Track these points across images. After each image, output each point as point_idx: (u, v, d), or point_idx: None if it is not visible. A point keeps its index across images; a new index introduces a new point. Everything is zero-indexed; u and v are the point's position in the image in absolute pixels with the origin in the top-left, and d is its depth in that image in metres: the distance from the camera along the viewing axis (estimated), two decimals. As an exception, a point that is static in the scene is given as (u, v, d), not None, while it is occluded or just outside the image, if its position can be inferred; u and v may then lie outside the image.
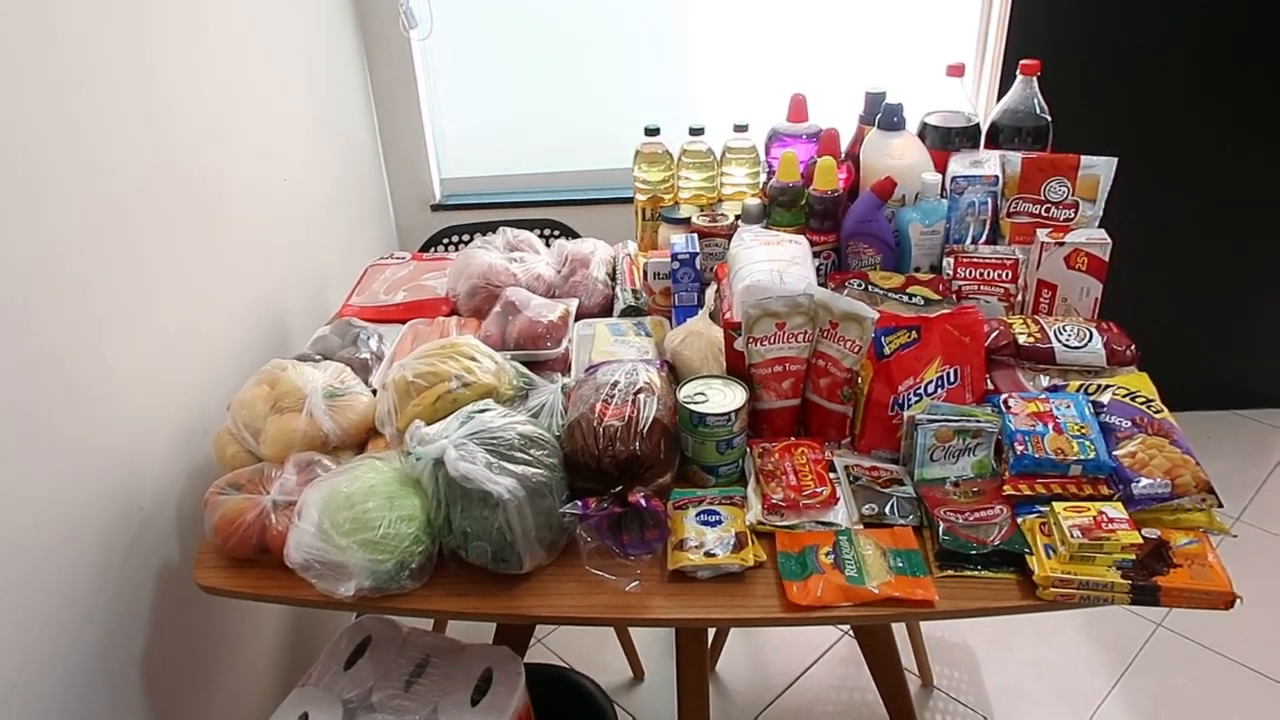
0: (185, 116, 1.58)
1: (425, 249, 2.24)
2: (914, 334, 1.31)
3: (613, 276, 1.80)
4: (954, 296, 1.55)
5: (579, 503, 1.19)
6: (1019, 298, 1.57)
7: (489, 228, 2.22)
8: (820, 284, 1.52)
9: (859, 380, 1.33)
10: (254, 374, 1.40)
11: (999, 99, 1.73)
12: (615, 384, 1.32)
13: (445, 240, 2.25)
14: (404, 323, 1.70)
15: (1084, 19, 2.40)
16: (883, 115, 1.65)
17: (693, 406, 1.27)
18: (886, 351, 1.30)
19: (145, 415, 1.43)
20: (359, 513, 1.15)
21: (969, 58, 2.59)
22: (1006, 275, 1.56)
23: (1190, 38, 2.43)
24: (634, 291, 1.73)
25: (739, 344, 1.36)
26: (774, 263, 1.47)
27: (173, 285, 1.51)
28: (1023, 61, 1.66)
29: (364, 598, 1.15)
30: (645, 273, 1.69)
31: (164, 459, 1.46)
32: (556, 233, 2.26)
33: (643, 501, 1.18)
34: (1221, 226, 2.68)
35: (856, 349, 1.28)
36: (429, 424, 1.27)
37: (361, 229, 2.48)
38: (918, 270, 1.65)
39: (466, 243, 2.26)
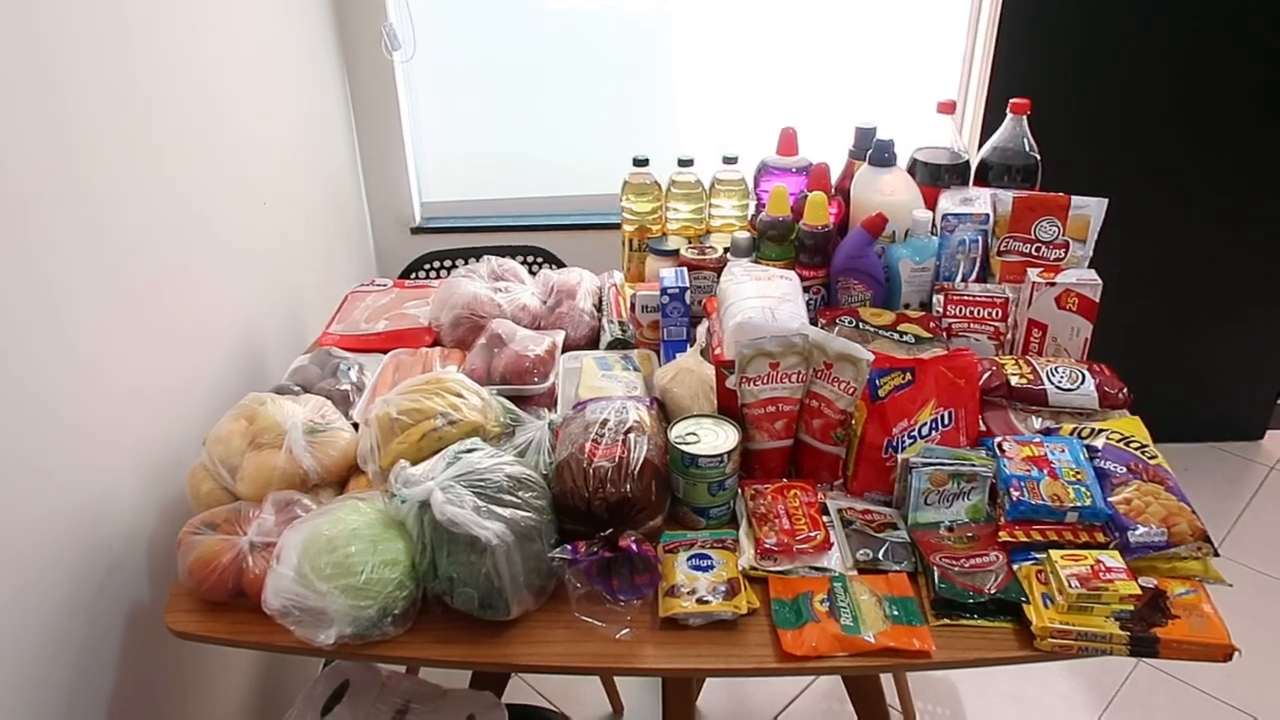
0: (164, 139, 1.54)
1: (406, 275, 2.20)
2: (908, 376, 1.29)
3: (599, 308, 1.78)
4: (944, 334, 1.54)
5: (569, 547, 1.16)
6: (1009, 336, 1.57)
7: (470, 253, 2.20)
8: (810, 319, 1.50)
9: (852, 422, 1.31)
10: (231, 408, 1.35)
11: (982, 135, 1.74)
12: (605, 422, 1.29)
13: (427, 265, 2.22)
14: (385, 353, 1.67)
15: (1067, 57, 2.42)
16: (873, 151, 1.64)
17: (684, 447, 1.25)
18: (880, 394, 1.29)
19: (115, 446, 1.38)
20: (341, 557, 1.11)
21: (953, 93, 2.61)
22: (997, 314, 1.55)
23: (1173, 79, 2.46)
24: (621, 324, 1.70)
25: (730, 382, 1.34)
26: (765, 299, 1.45)
27: (143, 311, 1.47)
28: (1013, 100, 1.66)
29: (345, 645, 1.11)
30: (633, 305, 1.67)
31: (135, 493, 1.41)
32: (540, 259, 2.23)
33: (634, 546, 1.15)
34: (1195, 262, 2.70)
35: (851, 390, 1.27)
36: (414, 463, 1.23)
37: (340, 252, 2.44)
38: (907, 307, 1.64)
39: (449, 269, 2.22)
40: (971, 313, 1.56)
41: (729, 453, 1.24)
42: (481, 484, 1.15)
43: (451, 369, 1.57)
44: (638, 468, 1.22)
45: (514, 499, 1.16)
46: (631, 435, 1.27)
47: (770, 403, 1.30)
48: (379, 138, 2.55)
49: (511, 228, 2.64)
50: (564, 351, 1.65)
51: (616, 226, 1.83)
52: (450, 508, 1.10)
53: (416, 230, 2.66)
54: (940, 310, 1.57)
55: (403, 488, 1.15)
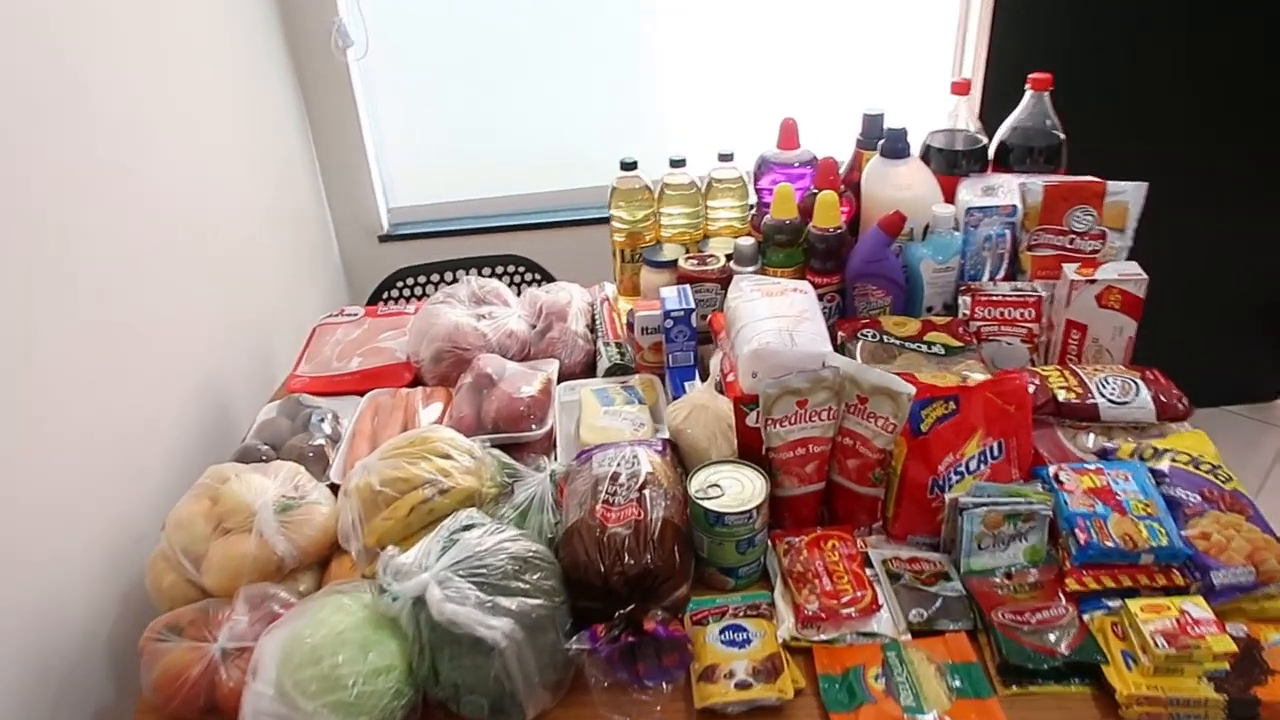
0: (102, 171, 1.37)
1: (377, 296, 2.04)
2: (952, 405, 1.16)
3: (592, 328, 1.63)
4: (975, 340, 1.40)
5: (586, 634, 1.02)
6: (1043, 338, 1.43)
7: (445, 267, 2.04)
8: (827, 328, 1.36)
9: (891, 460, 1.17)
10: (194, 476, 1.20)
11: (983, 114, 1.59)
12: (615, 477, 1.15)
13: (399, 284, 2.05)
14: (361, 394, 1.51)
15: (1066, 30, 2.25)
16: (885, 141, 1.49)
17: (708, 504, 1.11)
18: (923, 428, 1.15)
19: (64, 528, 1.22)
20: (327, 669, 0.96)
21: (948, 70, 2.45)
22: (1029, 314, 1.42)
23: (1176, 53, 2.31)
24: (618, 346, 1.55)
25: (752, 420, 1.20)
26: (780, 319, 1.30)
27: (85, 355, 1.30)
28: (1032, 75, 1.51)
29: (339, 767, 0.97)
30: (630, 325, 1.52)
31: (90, 583, 1.26)
32: (523, 269, 2.07)
33: (661, 630, 1.01)
34: (1208, 217, 2.57)
35: (890, 428, 1.13)
36: (403, 544, 1.09)
37: (305, 268, 2.27)
38: (930, 310, 1.50)
39: (422, 285, 2.06)
40: (1002, 314, 1.43)
41: (758, 507, 1.11)
42: (483, 571, 1.00)
43: (436, 409, 1.42)
44: (657, 531, 1.08)
45: (521, 584, 1.01)
46: (647, 492, 1.12)
47: (799, 444, 1.16)
48: (338, 143, 2.36)
49: (488, 229, 2.47)
50: (559, 381, 1.50)
51: (601, 222, 1.66)
52: (450, 606, 0.96)
53: (385, 238, 2.49)
54: (967, 313, 1.44)
55: (393, 581, 1.00)
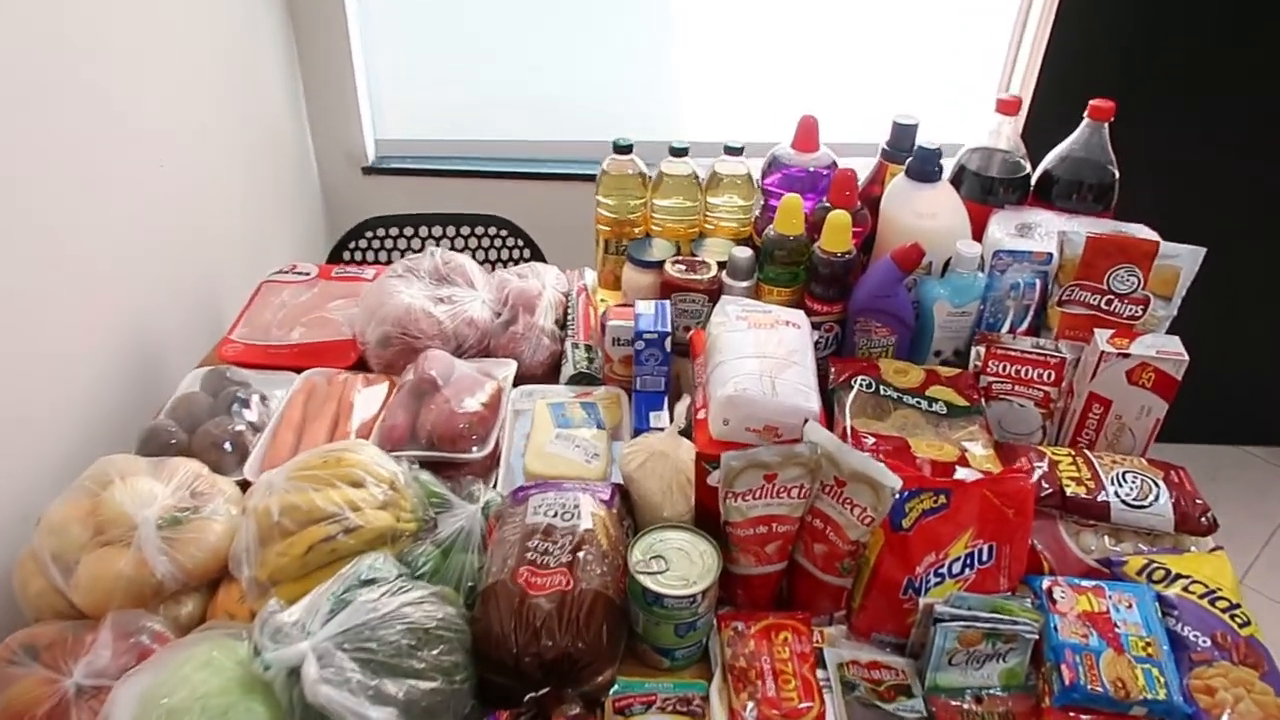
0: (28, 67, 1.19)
1: (344, 244, 1.87)
2: (942, 499, 1.00)
3: (561, 324, 1.47)
4: (982, 399, 1.24)
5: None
6: (1059, 404, 1.27)
7: (420, 221, 1.87)
8: (820, 362, 1.20)
9: (864, 550, 1.02)
10: (74, 482, 1.06)
11: (1027, 137, 1.39)
12: (549, 531, 1.01)
13: (369, 234, 1.88)
14: (299, 371, 1.37)
15: (1133, 54, 2.02)
16: (914, 160, 1.31)
17: (647, 582, 0.97)
18: (905, 523, 1.00)
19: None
20: (181, 739, 0.84)
21: (996, 83, 2.22)
22: (1049, 376, 1.26)
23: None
24: (588, 350, 1.40)
25: (713, 479, 1.05)
26: (764, 360, 1.14)
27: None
28: (1094, 102, 1.33)
29: None
30: (603, 330, 1.35)
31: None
32: (504, 233, 1.89)
33: (571, 731, 0.88)
34: (1234, 251, 2.37)
35: (868, 520, 0.98)
36: (298, 580, 0.96)
37: (281, 195, 2.09)
38: (938, 355, 1.34)
39: (394, 239, 1.89)
40: (1017, 372, 1.27)
41: (704, 591, 0.97)
42: (371, 646, 0.87)
43: (376, 399, 1.28)
44: (585, 607, 0.94)
45: (415, 664, 0.88)
46: (581, 554, 0.98)
47: (762, 521, 1.01)
48: (325, 62, 2.16)
49: (477, 173, 2.28)
50: (517, 383, 1.35)
51: (593, 179, 1.47)
52: (324, 689, 0.83)
53: (369, 170, 2.31)
54: (979, 365, 1.27)
55: (269, 642, 0.87)
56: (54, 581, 1.01)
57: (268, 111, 2.04)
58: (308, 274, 1.56)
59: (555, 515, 1.03)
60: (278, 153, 2.09)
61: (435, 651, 0.90)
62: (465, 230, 1.88)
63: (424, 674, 0.88)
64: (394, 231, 1.88)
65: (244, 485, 1.15)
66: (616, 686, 0.99)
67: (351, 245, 1.87)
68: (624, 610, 1.00)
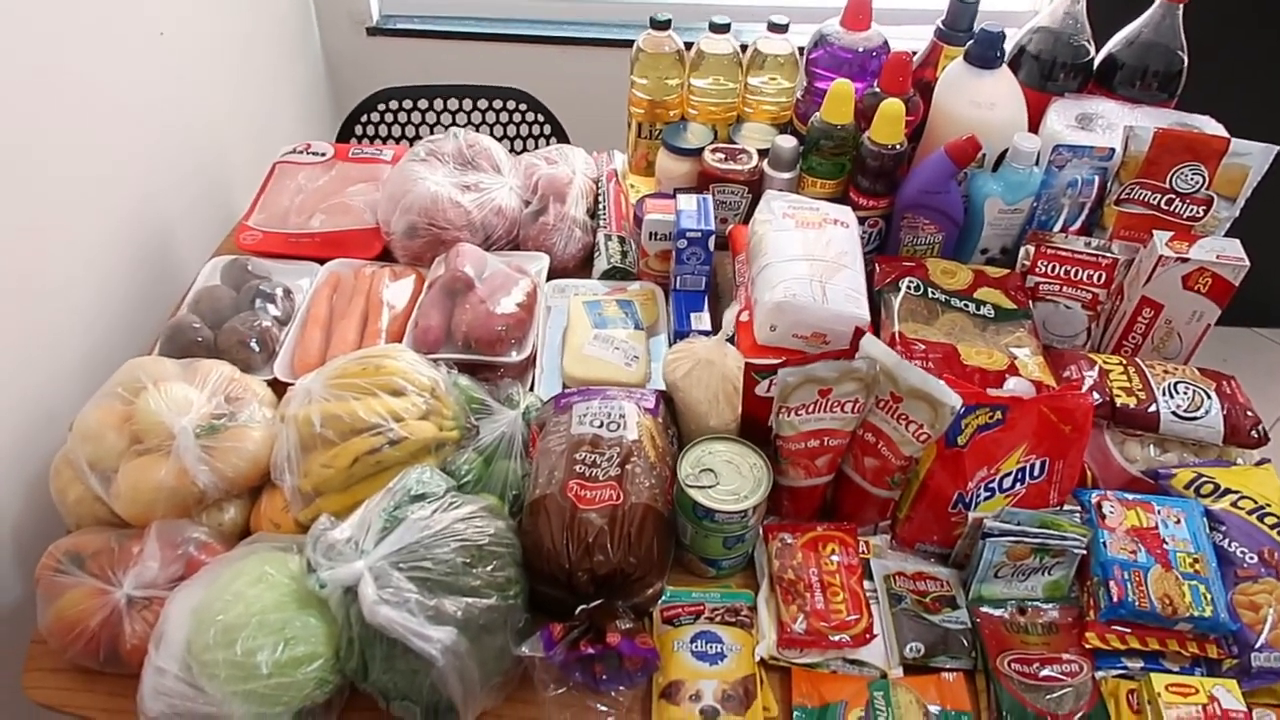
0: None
1: (351, 121, 1.77)
2: (998, 415, 0.98)
3: (593, 213, 1.41)
4: (1029, 301, 1.21)
5: (541, 636, 0.89)
6: (1107, 306, 1.24)
7: (433, 93, 1.77)
8: (865, 264, 1.16)
9: (915, 465, 1.01)
10: (104, 386, 1.02)
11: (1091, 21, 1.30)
12: (596, 442, 0.99)
13: (381, 105, 1.78)
14: (322, 262, 1.32)
15: None
16: (974, 44, 1.22)
17: (698, 496, 0.96)
18: (960, 440, 0.98)
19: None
20: (241, 654, 0.84)
21: None
22: (1100, 278, 1.22)
23: None
24: (621, 242, 1.34)
25: (762, 389, 1.03)
26: (814, 263, 1.11)
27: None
28: (1172, -20, 1.22)
29: (250, 752, 0.87)
30: (638, 218, 1.30)
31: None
32: (524, 108, 1.79)
33: (625, 646, 0.89)
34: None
35: (924, 437, 0.96)
36: (343, 491, 0.95)
37: (280, 56, 1.97)
38: (985, 254, 1.30)
39: (407, 112, 1.79)
40: (1067, 273, 1.23)
41: (755, 506, 0.96)
42: (427, 565, 0.86)
43: (405, 292, 1.25)
44: (636, 522, 0.93)
45: (471, 581, 0.87)
46: (629, 466, 0.97)
47: (814, 435, 0.99)
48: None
49: (492, 36, 2.14)
50: (550, 277, 1.31)
51: (623, 44, 1.38)
52: (384, 610, 0.82)
53: (374, 31, 2.17)
54: (1028, 264, 1.23)
55: (323, 560, 0.86)
56: (93, 489, 0.99)
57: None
58: (323, 155, 1.48)
59: (601, 425, 1.01)
60: (276, 10, 1.96)
61: (489, 568, 0.89)
62: (483, 104, 1.78)
63: (480, 591, 0.88)
64: (406, 104, 1.78)
65: (274, 384, 1.13)
66: (665, 595, 1.00)
67: (363, 119, 1.77)
68: (672, 523, 1.00)
